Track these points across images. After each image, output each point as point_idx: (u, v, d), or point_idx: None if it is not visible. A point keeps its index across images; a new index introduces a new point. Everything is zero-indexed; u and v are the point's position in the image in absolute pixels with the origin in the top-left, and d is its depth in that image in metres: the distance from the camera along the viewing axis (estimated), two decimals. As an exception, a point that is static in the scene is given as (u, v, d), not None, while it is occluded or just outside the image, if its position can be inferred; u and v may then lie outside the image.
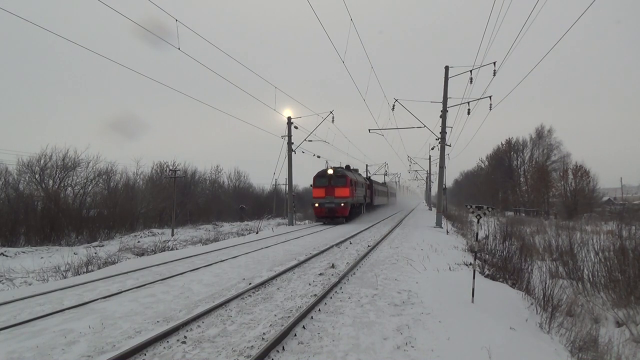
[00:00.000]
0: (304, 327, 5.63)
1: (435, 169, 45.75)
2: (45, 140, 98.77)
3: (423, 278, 8.80)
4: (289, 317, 6.09)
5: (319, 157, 30.36)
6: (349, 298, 7.23)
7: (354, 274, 9.54)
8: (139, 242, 22.21)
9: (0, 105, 71.30)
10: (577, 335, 6.15)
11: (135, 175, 41.31)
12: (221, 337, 5.29)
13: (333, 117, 26.68)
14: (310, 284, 8.39)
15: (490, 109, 22.34)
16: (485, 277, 9.85)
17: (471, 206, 7.63)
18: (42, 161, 31.51)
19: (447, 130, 24.56)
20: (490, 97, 22.10)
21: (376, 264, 10.66)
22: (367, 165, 53.43)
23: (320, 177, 27.28)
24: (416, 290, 7.67)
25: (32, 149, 71.71)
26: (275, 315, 6.23)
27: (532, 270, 10.15)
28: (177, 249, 17.75)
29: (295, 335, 5.32)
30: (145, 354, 4.73)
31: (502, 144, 60.13)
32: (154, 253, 16.23)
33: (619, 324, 7.53)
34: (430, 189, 64.77)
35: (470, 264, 10.34)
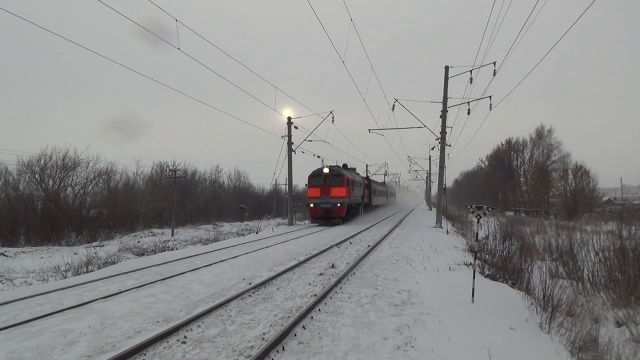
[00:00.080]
0: (304, 327, 5.63)
1: (435, 169, 45.82)
2: (45, 140, 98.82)
3: (423, 278, 8.80)
4: (289, 317, 6.09)
5: (319, 157, 29.85)
6: (349, 298, 7.23)
7: (354, 274, 9.54)
8: (139, 242, 22.21)
9: (0, 105, 71.35)
10: (577, 335, 6.15)
11: (135, 175, 41.37)
12: (221, 337, 5.29)
13: (333, 117, 26.66)
14: (310, 284, 8.39)
15: (490, 109, 22.37)
16: (485, 277, 9.85)
17: (471, 206, 7.63)
18: (42, 161, 31.56)
19: (447, 130, 24.58)
20: (490, 97, 22.13)
21: (376, 264, 10.66)
22: (367, 165, 53.49)
23: (316, 176, 26.34)
24: (416, 290, 7.67)
25: (32, 149, 71.83)
26: (275, 315, 6.23)
27: (532, 270, 10.14)
28: (177, 249, 17.75)
29: (295, 335, 5.32)
30: (145, 354, 4.73)
31: (502, 144, 60.22)
32: (154, 253, 16.23)
33: (619, 324, 7.53)
34: (430, 189, 64.80)
35: (470, 264, 10.34)
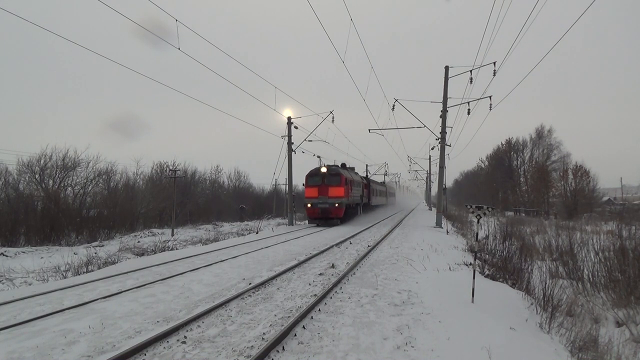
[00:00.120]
0: (304, 327, 5.63)
1: (435, 169, 45.80)
2: (45, 140, 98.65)
3: (423, 278, 8.80)
4: (289, 317, 6.09)
5: (319, 157, 29.77)
6: (349, 298, 7.23)
7: (354, 274, 9.54)
8: (139, 242, 22.21)
9: (0, 105, 71.35)
10: (577, 335, 6.15)
11: (135, 175, 41.35)
12: (221, 337, 5.29)
13: (333, 117, 26.63)
14: (310, 284, 8.39)
15: (490, 109, 22.37)
16: (485, 277, 9.85)
17: (471, 206, 7.64)
18: (42, 161, 31.54)
19: (447, 130, 24.57)
20: (490, 97, 22.12)
21: (376, 264, 10.66)
22: (367, 165, 53.45)
23: (313, 175, 25.74)
24: (416, 290, 7.67)
25: (32, 149, 71.77)
26: (275, 315, 6.23)
27: (532, 270, 10.15)
28: (177, 249, 17.75)
29: (295, 335, 5.32)
30: (145, 354, 4.73)
31: (502, 144, 60.27)
32: (154, 253, 16.23)
33: (619, 324, 7.53)
34: (430, 189, 64.80)
35: (470, 264, 10.34)
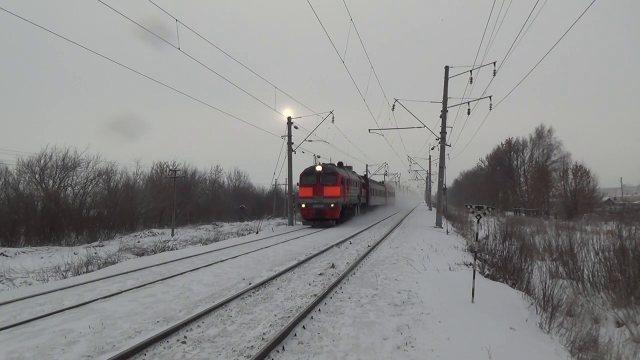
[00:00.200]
0: (304, 327, 5.63)
1: (435, 169, 45.79)
2: (45, 140, 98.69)
3: (423, 278, 8.80)
4: (289, 317, 6.09)
5: (319, 157, 29.64)
6: (349, 298, 7.23)
7: (354, 274, 9.54)
8: (139, 242, 22.20)
9: (0, 105, 71.35)
10: (577, 335, 6.15)
11: (135, 175, 41.33)
12: (221, 337, 5.29)
13: (333, 117, 26.59)
14: (310, 284, 8.39)
15: (490, 109, 22.38)
16: (485, 277, 9.85)
17: (471, 206, 7.64)
18: (42, 161, 31.52)
19: (447, 130, 24.58)
20: (490, 97, 22.13)
21: (376, 264, 10.66)
22: (367, 165, 53.52)
23: (308, 174, 24.64)
24: (416, 290, 7.67)
25: (32, 149, 71.75)
26: (275, 315, 6.23)
27: (532, 270, 10.15)
28: (177, 249, 17.75)
29: (295, 335, 5.32)
30: (145, 354, 4.73)
31: (502, 144, 60.25)
32: (154, 253, 16.22)
33: (619, 324, 7.53)
34: (430, 189, 64.81)
35: (470, 264, 10.34)
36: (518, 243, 13.21)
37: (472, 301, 6.90)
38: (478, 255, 9.97)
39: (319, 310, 6.46)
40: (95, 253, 16.58)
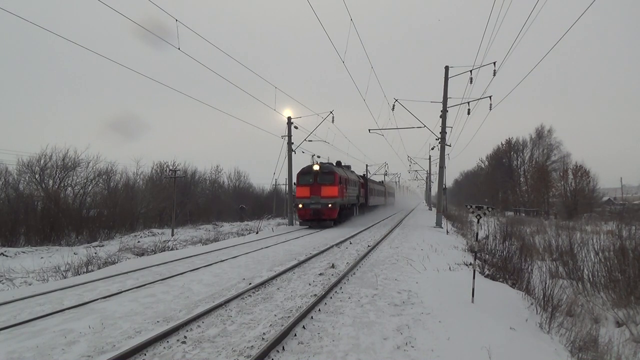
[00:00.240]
0: (304, 327, 5.63)
1: (435, 169, 45.78)
2: (45, 140, 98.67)
3: (423, 278, 8.80)
4: (289, 317, 6.09)
5: (319, 157, 29.58)
6: (349, 298, 7.23)
7: (354, 274, 9.54)
8: (139, 242, 22.20)
9: (0, 105, 71.36)
10: (577, 335, 6.15)
11: (135, 175, 41.31)
12: (221, 337, 5.29)
13: (333, 117, 26.60)
14: (310, 284, 8.39)
15: (490, 109, 22.39)
16: (485, 277, 9.85)
17: (471, 206, 7.64)
18: (42, 161, 31.50)
19: (447, 130, 24.59)
20: (490, 97, 22.14)
21: (376, 264, 10.66)
22: (367, 165, 53.54)
23: (305, 174, 24.04)
24: (416, 290, 7.67)
25: (32, 149, 71.70)
26: (275, 315, 6.23)
27: (532, 270, 10.15)
28: (177, 249, 17.74)
29: (295, 335, 5.32)
30: (145, 354, 4.73)
31: (502, 144, 60.28)
32: (154, 253, 16.22)
33: (619, 324, 7.53)
34: (430, 189, 64.83)
35: (470, 264, 10.34)
36: (518, 243, 13.21)
37: (472, 301, 6.90)
38: (478, 255, 9.97)
39: (319, 310, 6.46)
40: (95, 253, 16.57)
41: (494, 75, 20.09)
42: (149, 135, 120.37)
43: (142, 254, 16.50)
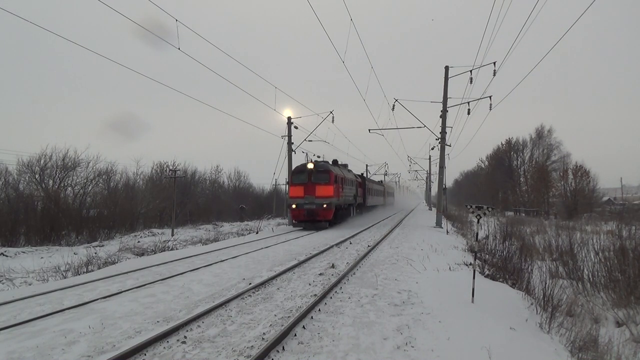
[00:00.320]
0: (304, 327, 5.63)
1: (435, 169, 45.77)
2: (45, 140, 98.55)
3: (423, 278, 8.80)
4: (289, 317, 6.09)
5: (319, 157, 29.44)
6: (349, 298, 7.23)
7: (354, 274, 9.54)
8: (139, 242, 22.19)
9: (0, 105, 71.35)
10: (577, 335, 6.15)
11: (135, 175, 41.32)
12: (221, 337, 5.29)
13: (333, 117, 26.55)
14: (310, 284, 8.39)
15: (490, 109, 22.39)
16: (485, 277, 9.85)
17: (471, 206, 7.64)
18: (42, 161, 31.51)
19: (447, 130, 24.59)
20: (490, 97, 22.14)
21: (376, 264, 10.66)
22: (367, 165, 53.56)
23: (299, 172, 22.94)
24: (416, 290, 7.67)
25: (32, 149, 71.78)
26: (275, 315, 6.23)
27: (532, 270, 10.15)
28: (177, 249, 17.74)
29: (295, 335, 5.32)
30: (145, 354, 4.73)
31: (502, 144, 60.30)
32: (154, 253, 16.22)
33: (619, 324, 7.53)
34: (430, 189, 64.82)
35: (470, 264, 10.34)
36: (518, 243, 13.22)
37: (472, 301, 6.90)
38: (478, 255, 9.97)
39: (319, 310, 6.46)
40: (95, 253, 16.57)
41: (494, 75, 20.09)
42: (149, 135, 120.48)
43: (142, 254, 16.50)
